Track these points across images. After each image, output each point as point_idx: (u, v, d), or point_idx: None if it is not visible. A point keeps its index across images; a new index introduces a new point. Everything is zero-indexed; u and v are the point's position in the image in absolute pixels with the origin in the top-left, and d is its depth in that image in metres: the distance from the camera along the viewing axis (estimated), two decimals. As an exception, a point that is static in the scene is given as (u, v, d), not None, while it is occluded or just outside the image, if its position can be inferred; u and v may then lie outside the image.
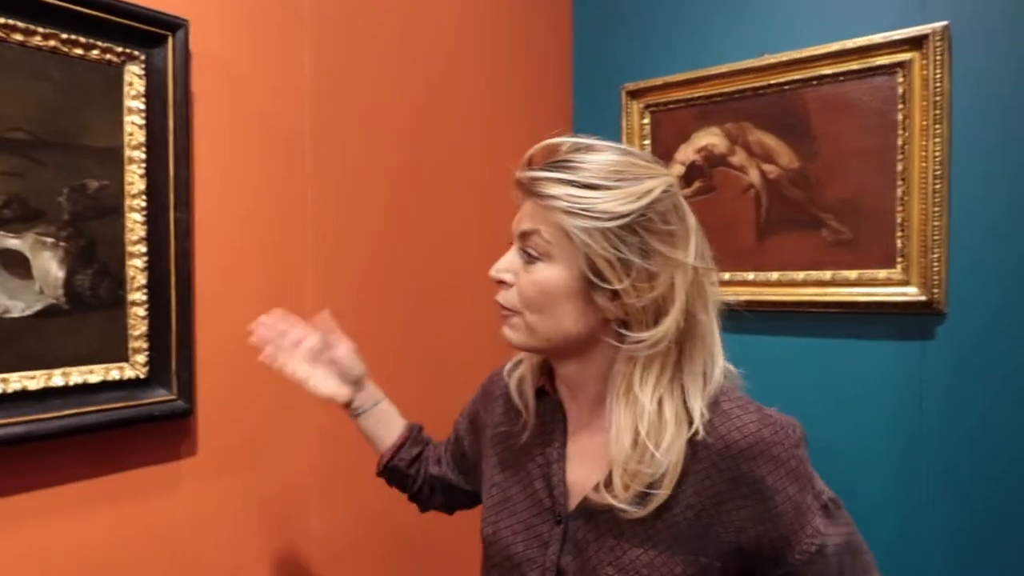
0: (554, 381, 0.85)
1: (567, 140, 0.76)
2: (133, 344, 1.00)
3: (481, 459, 0.95)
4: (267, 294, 1.18)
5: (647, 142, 1.71)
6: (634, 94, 1.71)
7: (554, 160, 0.74)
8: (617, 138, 1.74)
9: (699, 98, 1.61)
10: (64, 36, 0.91)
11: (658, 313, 0.72)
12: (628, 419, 0.72)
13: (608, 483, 0.73)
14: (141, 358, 1.01)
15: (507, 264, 0.77)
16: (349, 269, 1.32)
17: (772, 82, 1.51)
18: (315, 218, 1.26)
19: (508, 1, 1.68)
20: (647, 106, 1.70)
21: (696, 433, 0.72)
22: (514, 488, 0.84)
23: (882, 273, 1.41)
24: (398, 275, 1.41)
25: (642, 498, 0.71)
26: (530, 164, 0.76)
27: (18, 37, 0.88)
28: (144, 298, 1.00)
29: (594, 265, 0.70)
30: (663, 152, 1.66)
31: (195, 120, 1.07)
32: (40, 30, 0.89)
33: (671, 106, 1.66)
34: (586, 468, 0.79)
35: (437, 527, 1.46)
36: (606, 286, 0.71)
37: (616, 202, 0.70)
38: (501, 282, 0.78)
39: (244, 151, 1.15)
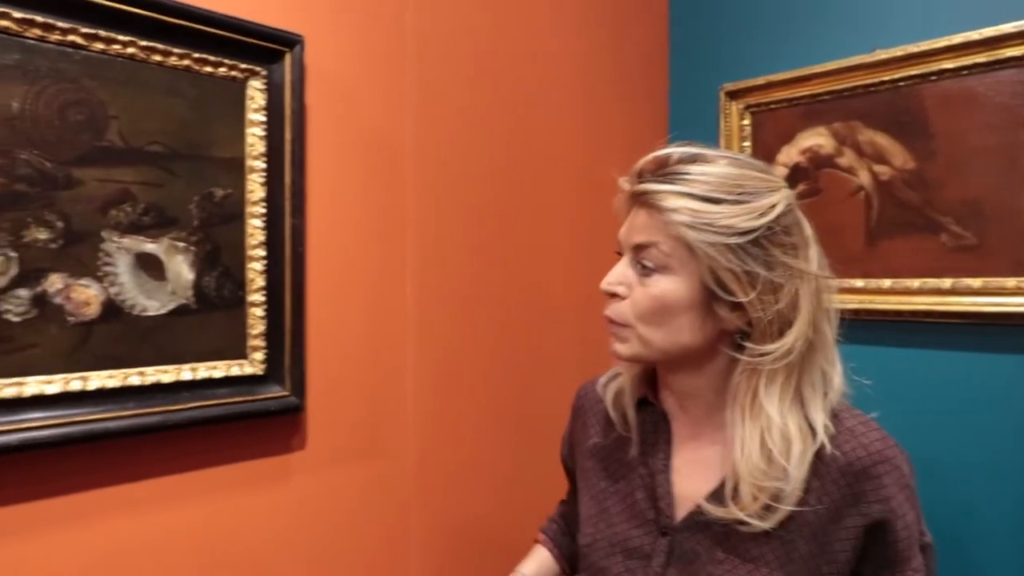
0: (657, 391, 0.84)
1: (676, 150, 0.75)
2: (252, 342, 1.06)
3: (576, 476, 0.94)
4: (370, 297, 1.23)
5: (747, 144, 1.65)
6: (733, 95, 1.66)
7: (667, 171, 0.73)
8: (715, 141, 1.70)
9: (804, 97, 1.55)
10: (196, 55, 0.99)
11: (783, 324, 0.70)
12: (754, 432, 0.70)
13: (733, 495, 0.71)
14: (259, 356, 1.07)
15: (619, 276, 0.76)
16: (446, 274, 1.35)
17: (886, 79, 1.43)
18: (415, 224, 1.30)
19: (601, 3, 1.67)
20: (747, 107, 1.65)
21: (822, 447, 0.70)
22: (612, 499, 0.83)
23: (1011, 281, 1.30)
24: (494, 279, 1.43)
25: (766, 510, 0.69)
26: (640, 175, 0.75)
27: (157, 58, 0.95)
28: (262, 299, 1.06)
29: (719, 278, 0.69)
30: (764, 155, 1.61)
31: (308, 131, 1.13)
32: (176, 50, 0.97)
33: (773, 106, 1.60)
34: (695, 479, 0.77)
35: (535, 527, 1.47)
36: (730, 298, 0.70)
37: (740, 218, 0.69)
38: (613, 295, 0.76)
39: (351, 160, 1.20)
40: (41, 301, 0.87)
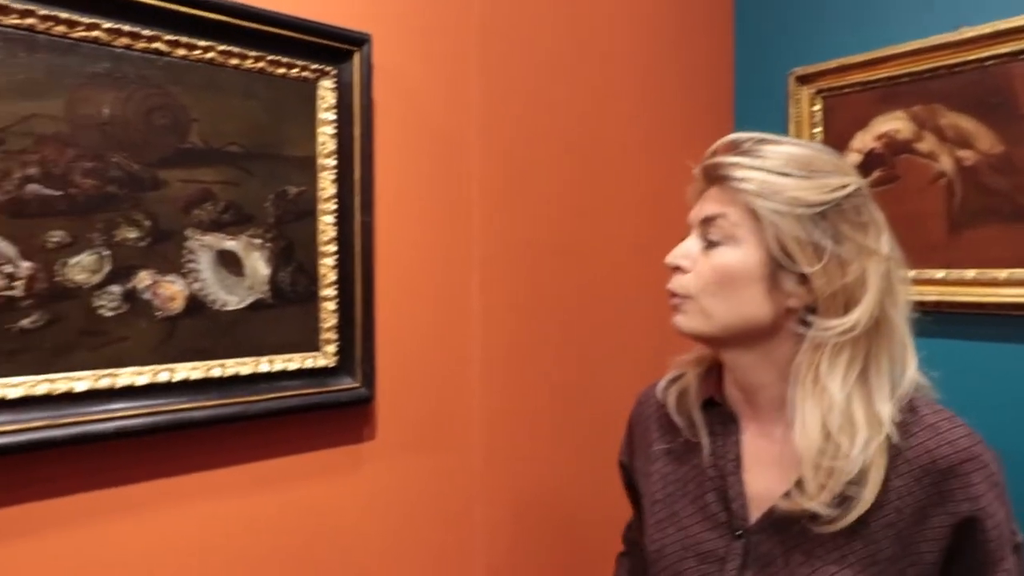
0: (722, 390, 0.82)
1: (751, 134, 0.76)
2: (324, 335, 1.09)
3: (639, 482, 0.93)
4: (437, 291, 1.25)
5: (818, 130, 1.60)
6: (804, 79, 1.61)
7: (739, 149, 0.74)
8: (783, 128, 1.65)
9: (881, 80, 1.48)
10: (270, 58, 1.02)
11: (848, 300, 0.70)
12: (814, 411, 0.69)
13: (800, 485, 0.70)
14: (331, 348, 1.10)
15: (683, 250, 0.77)
16: (512, 267, 1.36)
17: (971, 58, 1.35)
18: (480, 218, 1.31)
19: (667, -9, 1.64)
20: (819, 91, 1.59)
21: (897, 443, 0.67)
22: (681, 503, 0.82)
23: (1110, 271, 1.22)
24: (559, 272, 1.43)
25: (840, 502, 0.67)
26: (713, 155, 0.76)
27: (234, 61, 0.99)
28: (334, 293, 1.09)
29: (785, 247, 0.69)
30: (837, 141, 1.55)
31: (376, 128, 1.14)
32: (251, 54, 1.00)
33: (847, 90, 1.54)
34: (768, 479, 0.75)
35: (600, 520, 1.47)
36: (796, 269, 0.70)
37: (809, 191, 0.70)
38: (677, 268, 0.76)
39: (417, 156, 1.22)
40: (131, 297, 0.92)
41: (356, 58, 1.09)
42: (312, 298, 1.08)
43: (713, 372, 0.84)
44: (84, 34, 0.87)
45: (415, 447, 1.23)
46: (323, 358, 1.09)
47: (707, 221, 0.74)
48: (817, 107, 1.60)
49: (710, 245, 0.74)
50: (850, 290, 0.69)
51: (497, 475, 1.34)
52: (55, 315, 0.87)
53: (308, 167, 1.07)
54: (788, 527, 0.72)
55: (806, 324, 0.72)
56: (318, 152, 1.07)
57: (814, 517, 0.69)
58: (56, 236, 0.86)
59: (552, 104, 1.41)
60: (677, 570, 0.78)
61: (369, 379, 1.13)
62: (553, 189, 1.42)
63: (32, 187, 0.84)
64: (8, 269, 0.83)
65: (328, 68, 1.07)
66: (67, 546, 0.90)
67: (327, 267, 1.09)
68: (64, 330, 0.87)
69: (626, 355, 1.55)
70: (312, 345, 1.09)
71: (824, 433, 0.68)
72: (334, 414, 1.13)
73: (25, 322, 0.85)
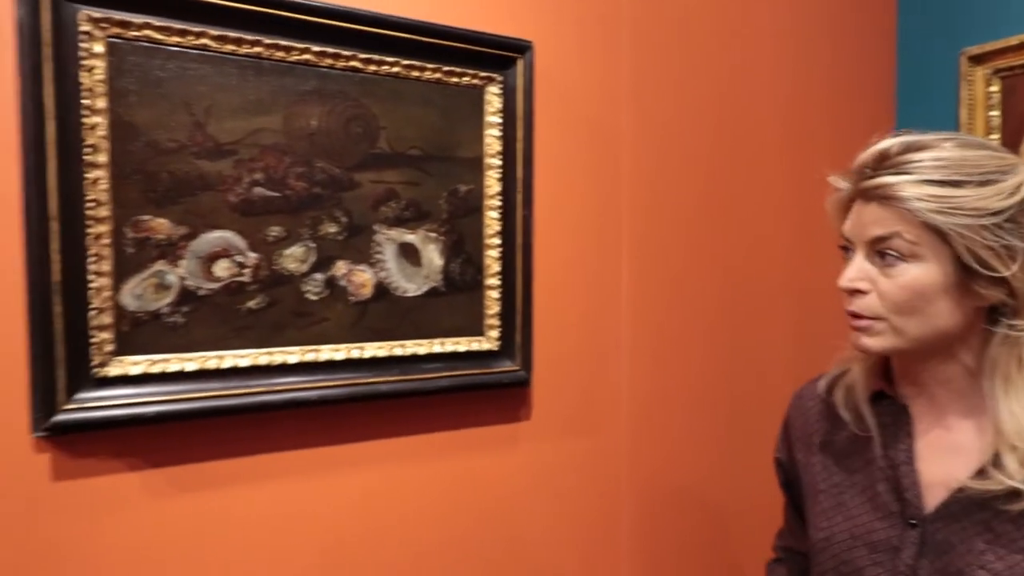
0: (891, 382, 0.82)
1: (893, 141, 0.74)
2: (488, 321, 1.19)
3: (799, 474, 0.94)
4: (588, 282, 1.31)
5: (994, 113, 1.49)
6: (978, 59, 1.50)
7: (892, 162, 0.72)
8: (954, 112, 1.55)
9: (1072, 56, 1.36)
10: (445, 68, 1.12)
11: None
12: (1020, 396, 0.71)
13: (997, 464, 0.70)
14: (494, 333, 1.20)
15: (858, 272, 0.75)
16: (660, 260, 1.39)
17: None
18: (630, 213, 1.35)
19: (823, -25, 1.59)
20: (996, 71, 1.48)
21: None
22: (848, 492, 0.82)
23: None
24: (705, 265, 1.45)
25: None
26: (862, 172, 0.75)
27: (415, 74, 1.10)
28: (497, 283, 1.19)
29: (978, 256, 0.69)
30: (1017, 123, 1.44)
31: (535, 128, 1.22)
32: (429, 66, 1.11)
33: (1030, 69, 1.43)
34: (944, 466, 0.75)
35: (744, 510, 1.48)
36: (991, 274, 0.69)
37: (991, 199, 0.69)
38: (855, 291, 0.76)
39: (572, 154, 1.29)
40: (331, 283, 1.06)
41: (519, 64, 1.17)
42: (478, 287, 1.18)
43: (882, 365, 0.84)
44: (298, 57, 1.01)
45: (567, 429, 1.31)
46: (487, 342, 1.19)
47: (878, 241, 0.73)
48: (994, 88, 1.49)
49: (887, 262, 0.73)
50: None
51: (643, 460, 1.39)
52: (273, 298, 1.02)
53: (476, 167, 1.17)
54: (971, 513, 0.72)
55: (996, 317, 0.72)
56: (485, 152, 1.17)
57: (1011, 496, 0.69)
58: (275, 231, 1.02)
59: (700, 96, 1.42)
60: (845, 559, 0.79)
61: (527, 363, 1.21)
62: (700, 181, 1.43)
63: (258, 190, 1.00)
64: (240, 259, 0.99)
65: (494, 75, 1.16)
66: (280, 494, 1.06)
67: (492, 258, 1.18)
68: (280, 311, 1.03)
69: (770, 347, 1.53)
70: (477, 330, 1.19)
71: None
72: (495, 394, 1.22)
73: (251, 303, 1.01)
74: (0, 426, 0.88)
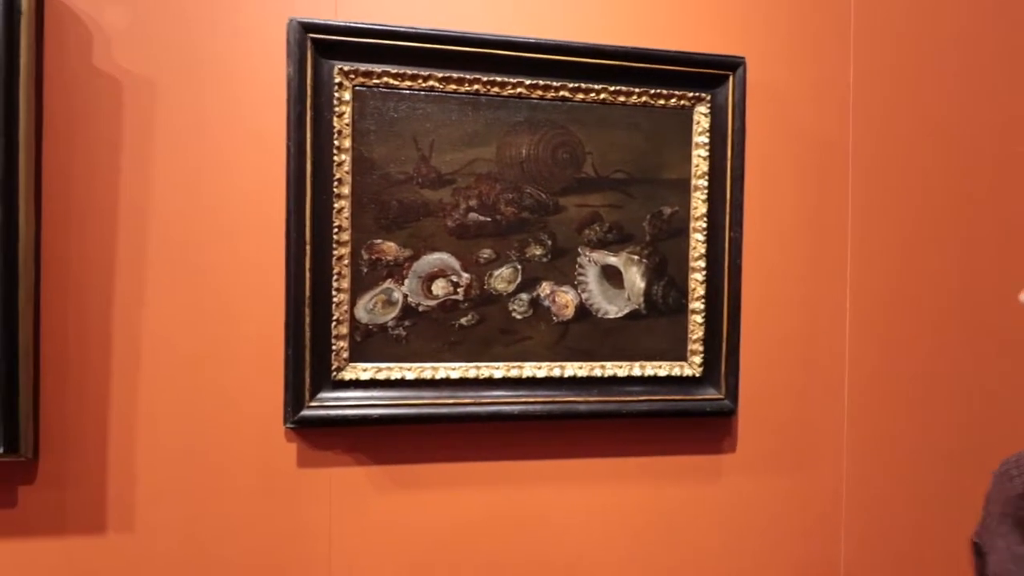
0: None
1: None
2: (691, 346, 1.16)
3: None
4: (805, 306, 1.22)
5: None
6: None
7: None
8: None
9: None
10: (652, 91, 1.12)
11: None
12: None
13: None
14: (697, 359, 1.16)
15: None
16: (888, 283, 1.25)
17: None
18: (854, 228, 1.23)
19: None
20: None
21: None
22: None
23: None
24: (939, 287, 1.27)
25: None
26: None
27: (621, 99, 1.12)
28: (702, 307, 1.15)
29: None
30: None
31: (747, 145, 1.17)
32: (636, 90, 1.12)
33: None
34: None
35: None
36: None
37: None
38: None
39: (786, 170, 1.21)
40: (535, 303, 1.11)
41: (730, 81, 1.13)
42: (681, 310, 1.16)
43: None
44: (512, 91, 1.08)
45: (776, 464, 1.22)
46: (689, 368, 1.16)
47: None
48: None
49: None
50: None
51: (864, 505, 1.25)
52: (482, 316, 1.09)
53: (682, 188, 1.14)
54: None
55: None
56: (692, 174, 1.15)
57: None
58: (486, 253, 1.09)
59: (928, 104, 1.26)
60: None
61: (732, 392, 1.15)
62: (931, 197, 1.26)
63: (472, 215, 1.08)
64: (455, 279, 1.08)
65: (703, 94, 1.14)
66: (477, 501, 1.12)
67: (696, 281, 1.15)
68: (488, 328, 1.10)
69: (1016, 379, 1.29)
70: (679, 355, 1.16)
71: None
72: (697, 422, 1.18)
73: (463, 320, 1.09)
74: (262, 416, 1.05)
